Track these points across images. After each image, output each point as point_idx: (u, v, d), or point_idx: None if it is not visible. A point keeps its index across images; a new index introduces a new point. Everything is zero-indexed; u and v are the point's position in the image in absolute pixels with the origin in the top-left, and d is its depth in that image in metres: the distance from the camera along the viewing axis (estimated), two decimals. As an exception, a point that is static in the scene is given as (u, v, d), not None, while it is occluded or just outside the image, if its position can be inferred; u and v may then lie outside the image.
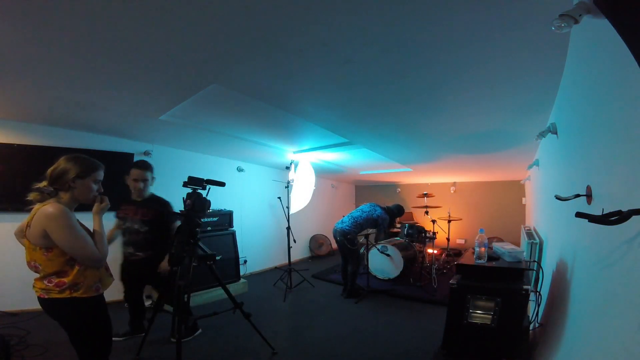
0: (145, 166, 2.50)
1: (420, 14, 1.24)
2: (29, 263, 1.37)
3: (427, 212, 5.15)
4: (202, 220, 2.34)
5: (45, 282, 1.35)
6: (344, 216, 4.01)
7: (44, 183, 1.40)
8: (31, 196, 1.38)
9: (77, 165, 1.43)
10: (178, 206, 2.34)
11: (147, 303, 3.50)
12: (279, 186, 5.01)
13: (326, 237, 6.52)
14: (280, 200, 4.53)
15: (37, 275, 1.38)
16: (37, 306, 1.42)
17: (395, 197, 7.16)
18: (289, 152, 4.31)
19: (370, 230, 4.07)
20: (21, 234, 1.55)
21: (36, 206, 1.36)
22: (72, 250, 1.34)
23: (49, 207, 1.30)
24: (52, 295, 1.34)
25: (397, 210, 4.15)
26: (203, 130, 3.22)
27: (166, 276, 2.37)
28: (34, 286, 1.39)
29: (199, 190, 2.26)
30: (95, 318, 1.46)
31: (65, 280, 1.35)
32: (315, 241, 6.42)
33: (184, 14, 1.30)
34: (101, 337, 1.49)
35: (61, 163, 1.43)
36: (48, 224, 1.29)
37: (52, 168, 1.42)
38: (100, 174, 1.52)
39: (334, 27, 1.35)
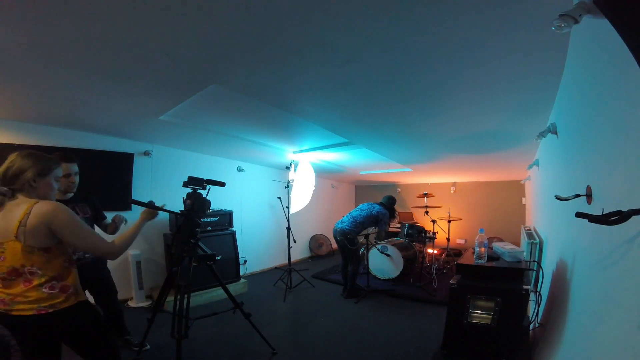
0: (73, 158, 2.09)
1: (420, 14, 1.24)
2: (17, 270, 1.18)
3: (427, 212, 5.15)
4: (201, 220, 2.31)
5: (46, 289, 1.20)
6: (343, 216, 4.02)
7: None
8: None
9: (36, 162, 1.27)
10: (178, 206, 2.34)
11: (147, 303, 3.51)
12: (279, 186, 5.01)
13: (326, 237, 6.52)
14: (280, 200, 4.54)
15: (18, 286, 1.18)
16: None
17: (395, 197, 7.14)
18: (289, 152, 4.31)
19: (371, 230, 4.07)
20: None
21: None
22: (83, 242, 1.25)
23: (42, 205, 1.20)
24: (60, 306, 1.21)
25: (390, 200, 4.15)
26: (203, 130, 3.21)
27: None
28: (16, 302, 1.18)
29: (199, 190, 2.26)
30: (99, 320, 1.40)
31: (69, 283, 1.26)
32: (315, 241, 6.42)
33: (184, 14, 1.30)
34: (109, 338, 1.45)
35: (16, 161, 1.25)
36: (53, 219, 1.19)
37: (4, 167, 1.25)
38: (60, 171, 1.39)
39: (333, 27, 1.35)
